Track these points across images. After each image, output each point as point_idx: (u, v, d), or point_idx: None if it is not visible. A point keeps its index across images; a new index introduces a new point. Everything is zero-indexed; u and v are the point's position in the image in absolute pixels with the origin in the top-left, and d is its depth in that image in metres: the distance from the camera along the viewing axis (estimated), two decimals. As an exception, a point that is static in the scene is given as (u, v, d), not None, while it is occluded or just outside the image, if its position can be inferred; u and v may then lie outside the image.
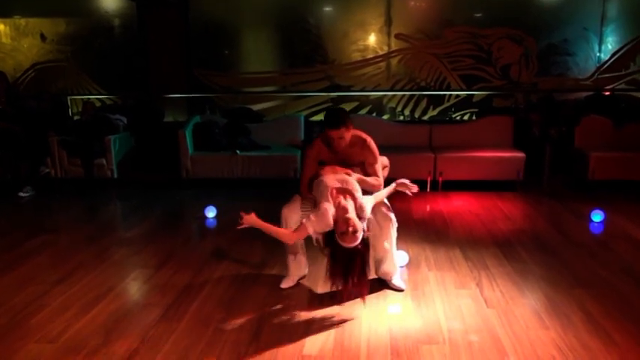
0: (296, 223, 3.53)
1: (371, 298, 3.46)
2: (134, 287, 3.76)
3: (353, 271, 3.07)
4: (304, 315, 3.25)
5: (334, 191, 3.22)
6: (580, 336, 2.92)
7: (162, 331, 3.04)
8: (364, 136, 3.60)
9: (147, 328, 3.09)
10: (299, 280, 3.72)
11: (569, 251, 4.30)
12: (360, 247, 3.07)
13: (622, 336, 2.92)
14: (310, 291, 3.61)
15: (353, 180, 3.33)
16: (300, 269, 3.71)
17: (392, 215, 3.53)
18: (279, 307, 3.36)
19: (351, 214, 3.09)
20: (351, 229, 3.02)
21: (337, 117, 3.47)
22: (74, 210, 6.03)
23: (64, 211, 6.05)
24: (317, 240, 3.26)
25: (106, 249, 4.50)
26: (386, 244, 3.56)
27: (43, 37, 8.27)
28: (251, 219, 3.28)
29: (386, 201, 3.56)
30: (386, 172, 3.81)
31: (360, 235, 3.05)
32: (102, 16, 8.13)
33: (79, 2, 8.08)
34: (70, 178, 6.82)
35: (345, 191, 3.24)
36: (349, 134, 3.48)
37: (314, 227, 3.17)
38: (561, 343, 2.86)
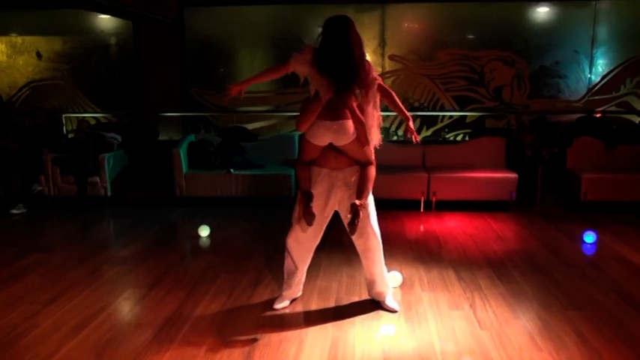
0: (302, 253, 3.56)
1: (364, 319, 3.46)
2: (126, 307, 3.73)
3: None
4: (297, 335, 3.23)
5: None
6: (573, 358, 2.92)
7: (154, 352, 3.02)
8: None
9: (139, 349, 3.06)
10: (292, 300, 3.71)
11: (561, 272, 4.31)
12: None
13: (615, 358, 2.92)
14: (303, 311, 3.60)
15: None
16: (294, 290, 3.70)
17: (378, 236, 3.53)
18: (272, 327, 3.34)
19: None
20: None
21: None
22: (67, 228, 6.00)
23: (57, 229, 6.02)
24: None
25: (98, 268, 4.47)
26: (376, 268, 3.57)
27: (39, 55, 8.30)
28: (237, 87, 3.39)
29: (374, 223, 3.55)
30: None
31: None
32: (98, 34, 8.17)
33: (76, 21, 8.11)
34: (63, 196, 6.80)
35: None
36: None
37: (297, 63, 3.28)
38: (554, 366, 2.86)
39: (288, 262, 3.63)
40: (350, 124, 3.28)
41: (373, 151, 3.43)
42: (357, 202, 3.24)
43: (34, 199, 6.75)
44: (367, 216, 3.44)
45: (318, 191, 3.41)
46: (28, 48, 8.35)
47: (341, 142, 3.31)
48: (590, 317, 3.44)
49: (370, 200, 3.50)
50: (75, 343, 3.14)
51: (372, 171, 3.42)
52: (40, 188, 6.84)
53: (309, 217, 3.30)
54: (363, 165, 3.41)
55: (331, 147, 3.36)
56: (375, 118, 3.30)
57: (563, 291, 3.91)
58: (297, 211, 3.48)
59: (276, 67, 3.43)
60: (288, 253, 3.60)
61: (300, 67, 3.32)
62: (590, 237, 5.13)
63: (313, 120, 3.28)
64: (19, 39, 8.37)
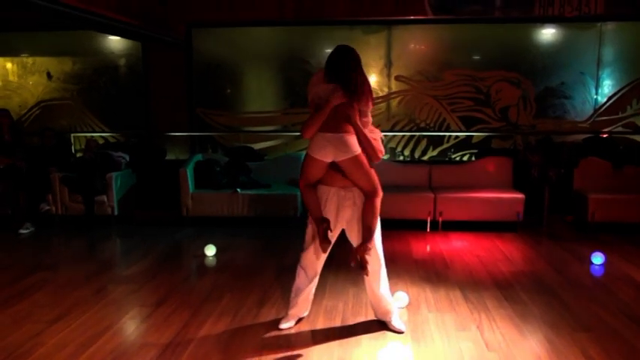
0: (314, 272, 3.58)
1: (370, 339, 3.44)
2: (132, 326, 3.72)
3: None
4: (303, 356, 3.21)
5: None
6: (582, 381, 2.89)
7: (158, 372, 3.01)
8: None
9: (143, 368, 3.06)
10: (298, 320, 3.69)
11: (569, 293, 4.27)
12: None
13: (625, 381, 2.89)
14: (309, 331, 3.58)
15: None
16: (300, 308, 3.68)
17: (380, 257, 3.51)
18: (277, 347, 3.32)
19: None
20: None
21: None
22: (73, 247, 6.02)
23: (64, 248, 6.05)
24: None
25: (104, 287, 4.48)
26: (379, 288, 3.56)
27: (49, 75, 8.42)
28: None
29: (378, 244, 3.53)
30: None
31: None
32: (107, 55, 8.29)
33: (86, 42, 8.24)
34: (70, 215, 6.83)
35: None
36: None
37: (312, 87, 3.44)
38: (563, 388, 2.82)
39: (300, 280, 3.61)
40: (352, 138, 3.27)
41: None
42: (362, 247, 3.26)
43: (41, 217, 6.78)
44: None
45: (326, 210, 3.41)
46: (39, 68, 8.49)
47: (341, 156, 3.27)
48: (598, 339, 3.40)
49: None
50: (80, 362, 3.14)
51: (378, 204, 3.37)
52: (47, 207, 6.87)
53: (325, 245, 3.33)
54: (368, 195, 3.36)
55: (337, 167, 3.36)
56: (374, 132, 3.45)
57: (571, 312, 3.87)
58: (309, 231, 3.49)
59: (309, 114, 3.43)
60: (303, 269, 3.59)
61: (314, 88, 3.40)
62: (598, 258, 5.09)
63: (318, 126, 3.29)
64: (30, 60, 8.51)
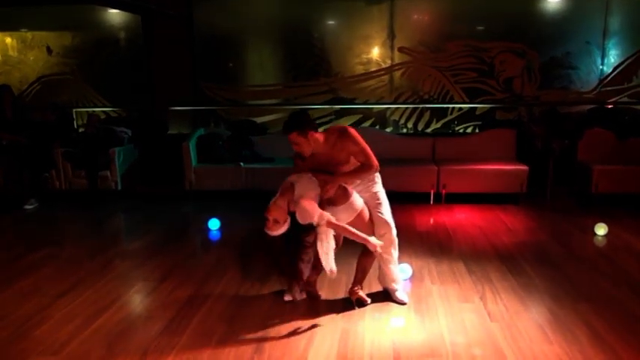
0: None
1: (374, 311, 3.47)
2: (137, 300, 3.76)
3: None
4: (307, 328, 3.24)
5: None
6: (585, 351, 2.91)
7: (164, 344, 3.04)
8: (340, 127, 3.38)
9: (149, 340, 3.09)
10: (302, 292, 3.72)
11: (572, 265, 4.29)
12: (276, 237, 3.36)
13: (627, 352, 2.91)
14: (313, 303, 3.61)
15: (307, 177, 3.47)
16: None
17: (391, 222, 3.52)
18: (281, 319, 3.35)
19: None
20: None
21: (289, 121, 3.30)
22: (78, 222, 6.05)
23: (68, 224, 6.07)
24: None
25: (109, 261, 4.51)
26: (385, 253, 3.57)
27: (49, 50, 8.35)
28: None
29: (385, 211, 3.54)
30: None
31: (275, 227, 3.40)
32: (107, 29, 8.20)
33: (85, 16, 8.15)
34: (74, 190, 6.85)
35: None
36: (306, 140, 3.29)
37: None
38: (565, 359, 2.84)
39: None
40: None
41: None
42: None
43: (44, 191, 6.78)
44: (379, 205, 3.50)
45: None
46: (39, 43, 8.42)
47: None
48: (601, 310, 3.42)
49: (381, 193, 3.55)
50: (87, 334, 3.18)
51: None
52: (46, 174, 6.85)
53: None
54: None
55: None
56: None
57: (574, 284, 3.88)
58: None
59: None
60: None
61: None
62: (600, 229, 5.09)
63: None
64: (30, 34, 8.43)
